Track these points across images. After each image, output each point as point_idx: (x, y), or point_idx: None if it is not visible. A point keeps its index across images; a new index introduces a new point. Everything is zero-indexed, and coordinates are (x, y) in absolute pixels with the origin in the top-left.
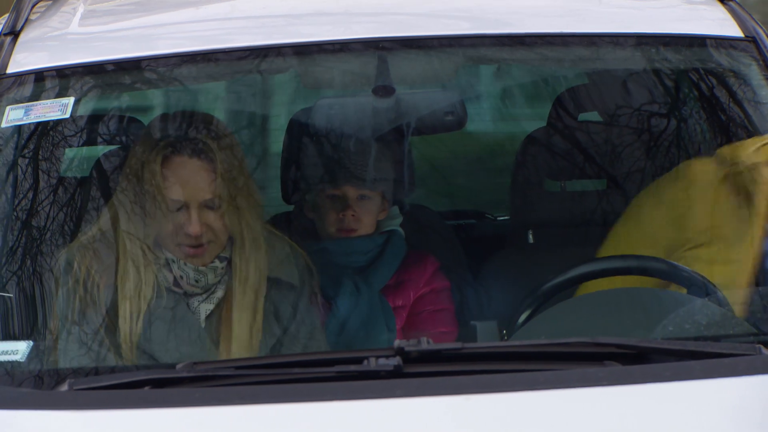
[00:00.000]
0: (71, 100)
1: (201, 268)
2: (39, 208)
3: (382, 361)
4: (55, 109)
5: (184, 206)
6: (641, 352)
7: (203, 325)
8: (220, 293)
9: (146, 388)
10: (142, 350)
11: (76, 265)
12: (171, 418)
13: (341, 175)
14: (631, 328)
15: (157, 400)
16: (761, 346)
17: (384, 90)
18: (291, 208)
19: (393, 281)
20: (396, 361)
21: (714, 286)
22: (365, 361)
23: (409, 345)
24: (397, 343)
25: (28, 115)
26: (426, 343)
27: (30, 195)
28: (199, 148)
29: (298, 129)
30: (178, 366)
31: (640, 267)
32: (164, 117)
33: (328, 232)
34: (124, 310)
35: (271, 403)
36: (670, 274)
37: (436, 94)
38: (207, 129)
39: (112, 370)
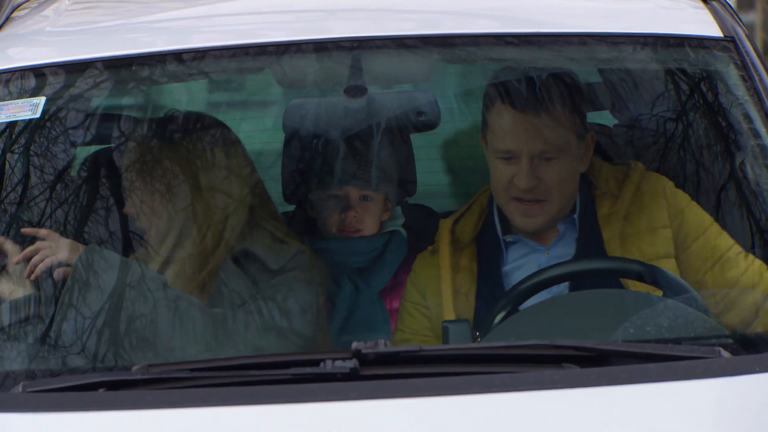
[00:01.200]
0: (42, 99)
1: None
2: (12, 210)
3: (338, 363)
4: (25, 108)
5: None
6: (600, 355)
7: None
8: None
9: (101, 390)
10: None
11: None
12: (124, 421)
13: (343, 175)
14: (605, 329)
15: (110, 402)
16: (720, 349)
17: (358, 90)
18: (292, 207)
19: (391, 282)
20: (352, 363)
21: (691, 288)
22: (321, 364)
23: (366, 347)
24: (354, 345)
25: None
26: (383, 346)
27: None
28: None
29: (295, 127)
30: (134, 368)
31: (616, 269)
32: (173, 117)
33: (330, 232)
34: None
35: (225, 405)
36: (646, 276)
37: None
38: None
39: (67, 372)
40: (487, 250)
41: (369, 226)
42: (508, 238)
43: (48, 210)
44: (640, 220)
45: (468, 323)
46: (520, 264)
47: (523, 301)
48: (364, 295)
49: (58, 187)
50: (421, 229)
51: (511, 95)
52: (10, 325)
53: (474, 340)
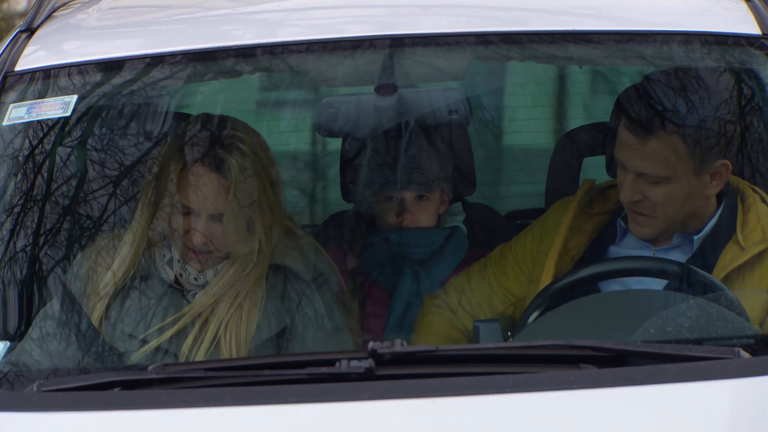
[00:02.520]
0: (74, 98)
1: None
2: (37, 208)
3: (354, 363)
4: (57, 107)
5: (193, 213)
6: (618, 355)
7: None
8: (199, 292)
9: (116, 389)
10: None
11: (73, 266)
12: (138, 421)
13: (397, 178)
14: (635, 329)
15: (125, 401)
16: (740, 350)
17: (389, 88)
18: (350, 206)
19: (454, 273)
20: (368, 363)
21: (728, 290)
22: (337, 364)
23: (383, 347)
24: (370, 345)
25: (30, 114)
26: (400, 346)
27: (30, 194)
28: (218, 162)
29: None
30: (150, 367)
31: (653, 268)
32: (191, 119)
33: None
34: (122, 305)
35: (240, 405)
36: (682, 277)
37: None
38: (231, 138)
39: (82, 371)
40: (609, 228)
41: (425, 222)
42: (623, 223)
43: (103, 205)
44: (754, 279)
45: (499, 323)
46: (627, 252)
47: (557, 300)
48: (426, 284)
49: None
50: (482, 228)
51: (630, 117)
52: (25, 325)
53: (505, 339)
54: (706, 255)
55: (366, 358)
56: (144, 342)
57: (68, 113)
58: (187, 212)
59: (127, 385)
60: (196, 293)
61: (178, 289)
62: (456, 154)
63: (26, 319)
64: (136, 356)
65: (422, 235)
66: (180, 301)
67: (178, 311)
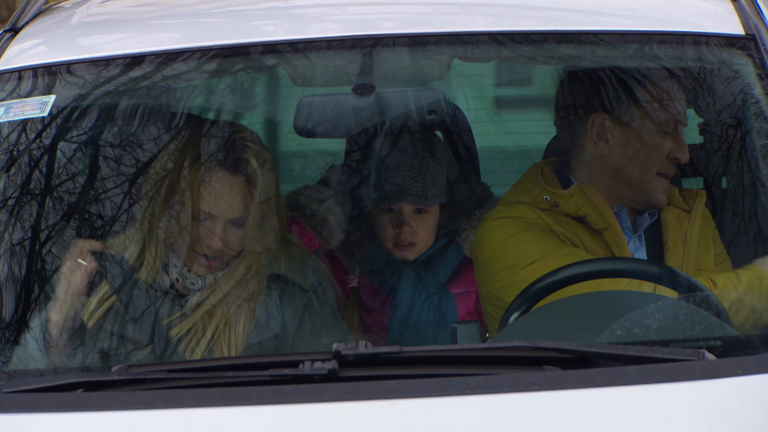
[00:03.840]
0: (52, 98)
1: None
2: (17, 208)
3: (318, 365)
4: (34, 107)
5: (211, 219)
6: (582, 357)
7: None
8: (194, 299)
9: (79, 391)
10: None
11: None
12: (100, 422)
13: (396, 190)
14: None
15: (86, 403)
16: (705, 351)
17: (366, 89)
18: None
19: (455, 272)
20: (332, 365)
21: (709, 291)
22: (301, 365)
23: (347, 348)
24: (335, 346)
25: (7, 113)
26: (364, 347)
27: (13, 194)
28: (241, 165)
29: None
30: (114, 369)
31: (632, 270)
32: (196, 122)
33: (386, 245)
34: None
35: (201, 407)
36: (663, 278)
37: None
38: (248, 144)
39: (44, 373)
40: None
41: (423, 239)
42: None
43: (90, 208)
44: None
45: (477, 324)
46: None
47: (537, 300)
48: (428, 284)
49: (73, 185)
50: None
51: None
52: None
53: (483, 340)
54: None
55: (330, 360)
56: (137, 343)
57: (45, 113)
58: (205, 217)
59: (91, 387)
60: (191, 297)
61: (173, 293)
62: (462, 169)
63: (15, 319)
64: (141, 354)
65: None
66: (174, 306)
67: (174, 314)
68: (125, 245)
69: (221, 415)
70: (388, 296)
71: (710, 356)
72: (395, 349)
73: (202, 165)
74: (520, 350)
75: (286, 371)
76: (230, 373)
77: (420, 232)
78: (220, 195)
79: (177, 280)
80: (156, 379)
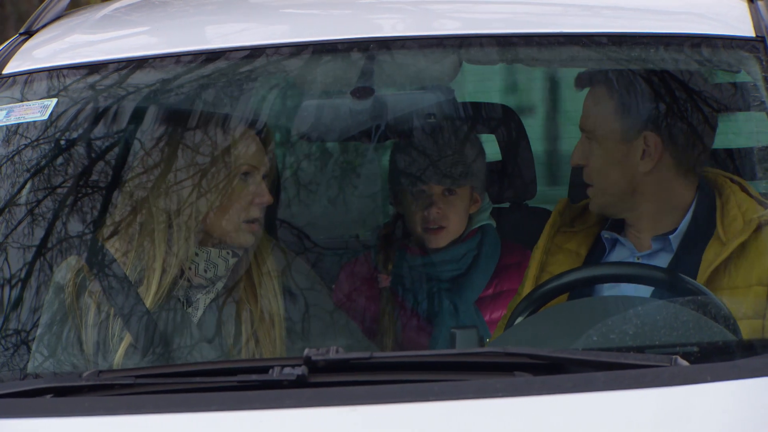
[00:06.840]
0: (53, 101)
1: (214, 258)
2: (20, 212)
3: (287, 370)
4: (35, 110)
5: (251, 175)
6: (554, 363)
7: (201, 314)
8: (220, 285)
9: (48, 396)
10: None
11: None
12: (67, 428)
13: (424, 170)
14: (616, 335)
15: (53, 408)
16: (677, 357)
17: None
18: None
19: (491, 291)
20: (301, 370)
21: (715, 297)
22: (271, 371)
23: (317, 354)
24: (305, 351)
25: (9, 117)
26: (335, 352)
27: (18, 198)
28: (257, 123)
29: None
30: (84, 374)
31: (636, 275)
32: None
33: (415, 229)
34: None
35: (163, 413)
36: (667, 284)
37: None
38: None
39: (16, 377)
40: (597, 243)
41: (453, 222)
42: (606, 234)
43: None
44: (740, 273)
45: (476, 329)
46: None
47: (541, 304)
48: (463, 313)
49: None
50: (525, 233)
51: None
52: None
53: (482, 346)
54: (689, 255)
55: (300, 365)
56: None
57: (45, 117)
58: (244, 177)
59: (60, 392)
60: (200, 287)
61: (182, 285)
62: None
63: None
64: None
65: (452, 252)
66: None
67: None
68: (138, 253)
69: (182, 421)
70: (425, 322)
71: (683, 362)
72: (366, 354)
73: (227, 128)
74: (491, 356)
75: (255, 377)
76: (199, 379)
77: (450, 215)
78: (251, 147)
79: (190, 268)
80: (123, 384)
